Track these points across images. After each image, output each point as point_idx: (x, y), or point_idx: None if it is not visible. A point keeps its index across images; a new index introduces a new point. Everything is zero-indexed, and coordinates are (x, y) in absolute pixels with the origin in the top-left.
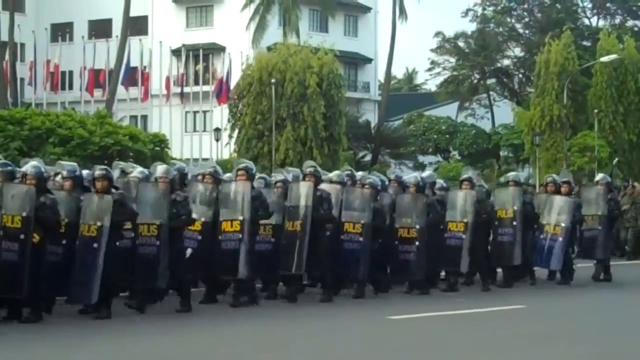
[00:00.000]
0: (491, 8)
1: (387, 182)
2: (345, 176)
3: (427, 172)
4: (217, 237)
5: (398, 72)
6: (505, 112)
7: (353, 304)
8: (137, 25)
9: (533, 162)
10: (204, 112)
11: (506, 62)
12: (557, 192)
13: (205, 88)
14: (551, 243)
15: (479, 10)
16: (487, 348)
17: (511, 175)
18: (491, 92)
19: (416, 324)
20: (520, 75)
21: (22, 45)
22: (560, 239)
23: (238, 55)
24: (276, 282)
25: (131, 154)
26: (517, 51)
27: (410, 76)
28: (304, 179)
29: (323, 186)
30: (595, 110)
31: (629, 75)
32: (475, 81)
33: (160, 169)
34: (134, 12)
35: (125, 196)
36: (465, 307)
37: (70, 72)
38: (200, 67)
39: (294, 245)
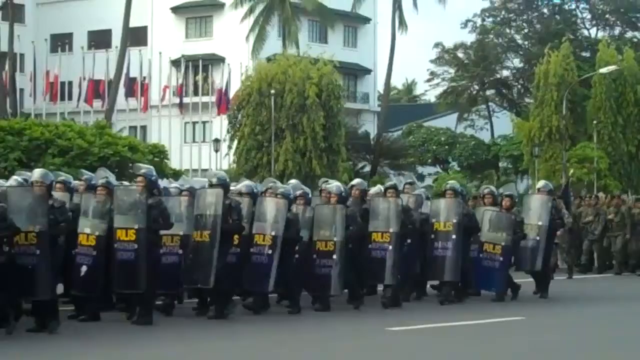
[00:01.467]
0: (490, 19)
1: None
2: (254, 187)
3: (357, 180)
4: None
5: (397, 83)
6: (504, 123)
7: (352, 315)
8: (136, 36)
9: (532, 173)
10: (204, 122)
11: (505, 73)
12: (494, 204)
13: (205, 99)
14: (491, 263)
15: (479, 21)
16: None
17: (449, 184)
18: (490, 103)
19: (415, 335)
20: (520, 86)
21: (22, 55)
22: (501, 258)
23: (237, 66)
24: (179, 295)
25: (130, 164)
26: (517, 62)
27: (409, 87)
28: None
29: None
30: (595, 122)
31: (628, 86)
32: (475, 92)
33: (36, 173)
34: (133, 23)
35: (5, 209)
36: (465, 318)
37: (70, 83)
38: (199, 77)
39: (203, 257)
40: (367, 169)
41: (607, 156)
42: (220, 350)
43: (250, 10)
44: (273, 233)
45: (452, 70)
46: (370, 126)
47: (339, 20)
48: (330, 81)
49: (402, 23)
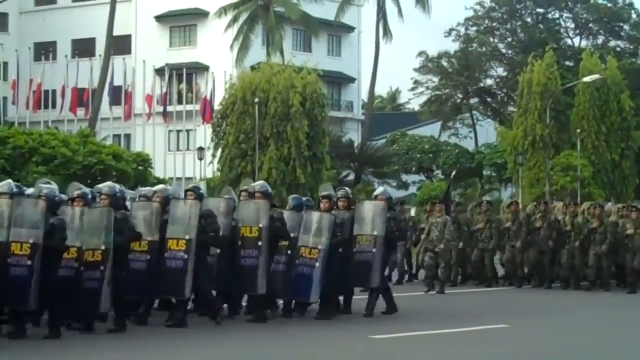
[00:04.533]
0: (474, 28)
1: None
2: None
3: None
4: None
5: (381, 91)
6: (488, 132)
7: (335, 323)
8: (120, 45)
9: (516, 182)
10: (187, 131)
11: (489, 81)
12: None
13: (189, 107)
14: (306, 269)
15: (462, 30)
16: None
17: (257, 185)
18: (474, 112)
19: (399, 343)
20: (503, 95)
21: (5, 64)
22: (317, 264)
23: (221, 75)
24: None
25: (114, 173)
26: (500, 71)
27: (393, 95)
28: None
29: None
30: (578, 130)
31: (611, 95)
32: (458, 100)
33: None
34: (117, 31)
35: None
36: (448, 326)
37: (54, 91)
38: (183, 86)
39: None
40: (351, 177)
41: (590, 164)
42: (204, 357)
43: (234, 19)
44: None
45: (435, 79)
46: (354, 134)
47: (323, 29)
48: (314, 90)
49: (387, 32)
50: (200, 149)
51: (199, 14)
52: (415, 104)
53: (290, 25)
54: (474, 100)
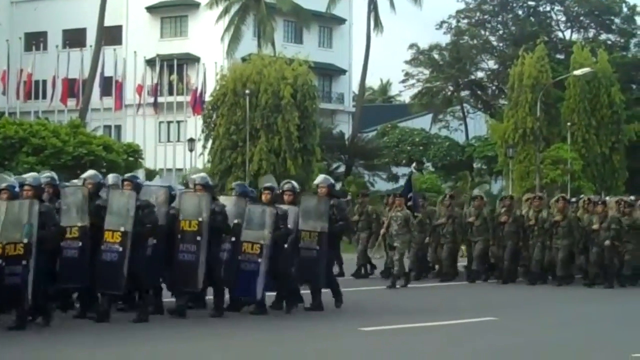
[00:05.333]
0: (465, 21)
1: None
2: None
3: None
4: None
5: (372, 83)
6: (479, 124)
7: (324, 315)
8: (111, 35)
9: (506, 175)
10: (178, 122)
11: (480, 74)
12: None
13: (180, 98)
14: (250, 266)
15: (454, 22)
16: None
17: (197, 177)
18: (465, 104)
19: (388, 335)
20: (494, 88)
21: None
22: (260, 260)
23: (212, 66)
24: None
25: (105, 163)
26: (491, 64)
27: (384, 88)
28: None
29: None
30: (569, 123)
31: (602, 88)
32: (449, 93)
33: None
34: (108, 22)
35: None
36: (439, 319)
37: (44, 82)
38: (174, 77)
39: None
40: (342, 169)
41: (581, 158)
42: (192, 350)
43: (226, 10)
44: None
45: (427, 71)
46: (345, 126)
47: (314, 21)
48: (305, 81)
49: (378, 24)
50: (191, 140)
51: (190, 5)
52: (406, 97)
53: (282, 17)
54: (464, 93)
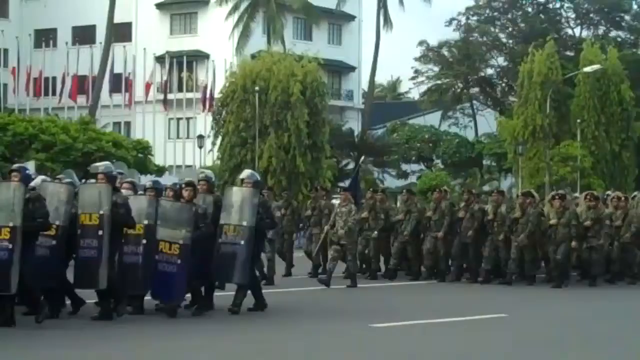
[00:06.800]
0: (475, 18)
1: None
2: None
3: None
4: None
5: (382, 80)
6: (488, 122)
7: (335, 312)
8: (121, 32)
9: (516, 172)
10: (188, 119)
11: (490, 71)
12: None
13: (189, 95)
14: (168, 267)
15: (463, 19)
16: (470, 356)
17: (100, 165)
18: (474, 101)
19: (399, 332)
20: (504, 85)
21: (6, 50)
22: (179, 261)
23: (222, 63)
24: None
25: (114, 160)
26: (501, 61)
27: (394, 85)
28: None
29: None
30: (578, 120)
31: (611, 85)
32: (459, 90)
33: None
34: (117, 19)
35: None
36: (448, 315)
37: (54, 78)
38: (184, 74)
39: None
40: (351, 166)
41: (590, 155)
42: (201, 347)
43: (235, 7)
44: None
45: (436, 68)
46: (354, 123)
47: (323, 18)
48: (315, 78)
49: (387, 21)
50: (200, 137)
51: (200, 2)
52: (415, 94)
53: (291, 14)
54: (474, 90)
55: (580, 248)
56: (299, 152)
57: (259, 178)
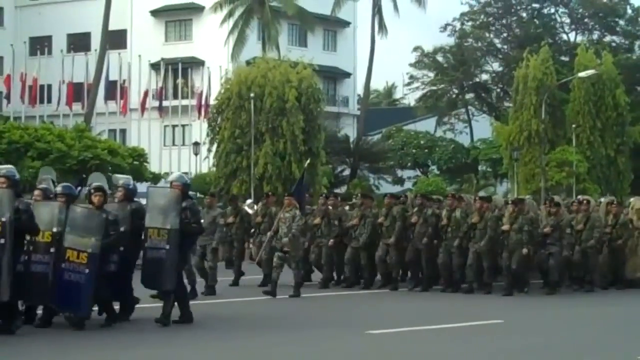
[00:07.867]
0: (470, 23)
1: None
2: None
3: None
4: None
5: (377, 86)
6: (483, 127)
7: (332, 318)
8: (116, 39)
9: (511, 177)
10: (183, 126)
11: (485, 77)
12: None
13: (184, 102)
14: (75, 276)
15: (458, 25)
16: None
17: (3, 168)
18: (469, 107)
19: (395, 338)
20: (499, 90)
21: (1, 58)
22: (87, 270)
23: (217, 70)
24: None
25: (110, 168)
26: (496, 66)
27: (389, 91)
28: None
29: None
30: (573, 125)
31: (606, 90)
32: (454, 96)
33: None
34: (112, 26)
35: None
36: (444, 321)
37: (49, 86)
38: (179, 81)
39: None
40: (347, 172)
41: (585, 160)
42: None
43: (230, 14)
44: None
45: (431, 74)
46: (349, 129)
47: (318, 24)
48: (310, 85)
49: (382, 27)
50: (196, 144)
51: (195, 9)
52: (410, 99)
53: (286, 20)
54: (469, 96)
55: (536, 254)
56: (295, 159)
57: (188, 181)
